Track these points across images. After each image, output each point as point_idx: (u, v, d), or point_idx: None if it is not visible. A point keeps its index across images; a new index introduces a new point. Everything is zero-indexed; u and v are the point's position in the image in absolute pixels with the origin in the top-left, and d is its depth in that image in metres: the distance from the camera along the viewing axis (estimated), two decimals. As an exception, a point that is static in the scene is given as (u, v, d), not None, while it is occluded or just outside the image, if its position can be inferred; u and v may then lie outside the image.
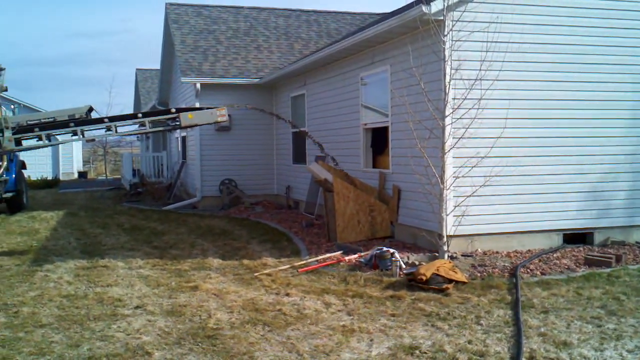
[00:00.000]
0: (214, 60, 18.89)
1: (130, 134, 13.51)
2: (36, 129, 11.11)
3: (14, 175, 17.77)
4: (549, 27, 10.25)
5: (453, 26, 9.32)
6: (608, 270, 8.85)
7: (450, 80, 9.22)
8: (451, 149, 9.30)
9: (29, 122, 11.56)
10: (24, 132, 11.19)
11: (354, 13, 23.58)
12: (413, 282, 8.03)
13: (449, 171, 9.37)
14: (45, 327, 6.70)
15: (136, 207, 19.36)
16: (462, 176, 9.41)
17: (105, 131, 11.35)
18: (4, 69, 17.17)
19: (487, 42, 9.38)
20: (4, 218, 16.71)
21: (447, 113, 9.18)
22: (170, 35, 20.34)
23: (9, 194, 17.36)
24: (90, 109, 11.83)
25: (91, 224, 15.14)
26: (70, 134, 11.32)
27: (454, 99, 9.31)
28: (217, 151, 18.69)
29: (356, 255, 9.80)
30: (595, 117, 10.57)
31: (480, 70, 9.34)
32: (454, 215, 9.49)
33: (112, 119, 11.31)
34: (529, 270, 8.87)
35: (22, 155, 19.93)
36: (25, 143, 11.62)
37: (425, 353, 5.71)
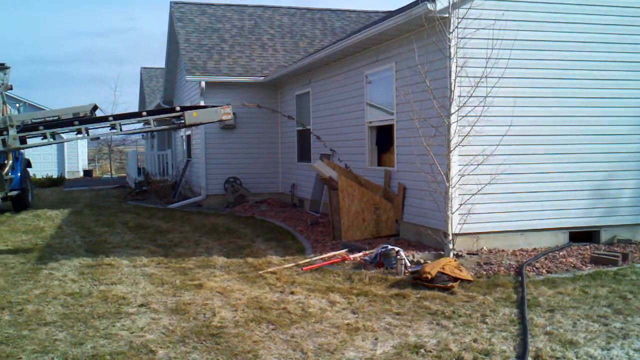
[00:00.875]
0: (218, 58, 18.87)
1: (135, 132, 13.51)
2: (41, 128, 11.12)
3: (19, 174, 17.79)
4: (555, 24, 10.19)
5: (459, 23, 9.28)
6: (614, 268, 8.79)
7: (455, 78, 9.18)
8: (457, 146, 9.25)
9: (33, 121, 11.55)
10: (28, 130, 11.19)
11: (359, 11, 23.52)
12: (418, 280, 7.99)
13: (455, 169, 9.33)
14: (50, 325, 6.69)
15: (141, 205, 19.37)
16: (468, 174, 9.37)
17: (110, 129, 11.35)
18: (9, 67, 17.20)
19: (493, 39, 9.34)
20: (9, 216, 16.74)
21: (452, 111, 9.14)
22: (175, 33, 20.33)
23: (14, 192, 17.38)
24: (95, 107, 11.82)
25: (96, 222, 15.14)
26: (75, 133, 11.33)
27: (459, 96, 9.27)
28: (221, 149, 18.67)
29: (361, 254, 9.77)
30: (602, 114, 10.50)
31: (486, 67, 9.30)
32: (460, 214, 9.44)
33: (117, 117, 11.30)
34: (534, 268, 8.83)
35: (28, 154, 19.96)
36: (30, 141, 11.61)
37: (431, 352, 5.68)
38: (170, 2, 21.34)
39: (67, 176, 37.11)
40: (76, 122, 11.14)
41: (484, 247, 9.92)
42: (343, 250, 10.16)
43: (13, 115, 12.37)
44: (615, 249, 9.98)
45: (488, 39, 9.37)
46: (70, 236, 13.00)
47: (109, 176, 37.22)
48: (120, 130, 11.29)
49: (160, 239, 12.48)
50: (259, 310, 7.06)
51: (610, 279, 8.23)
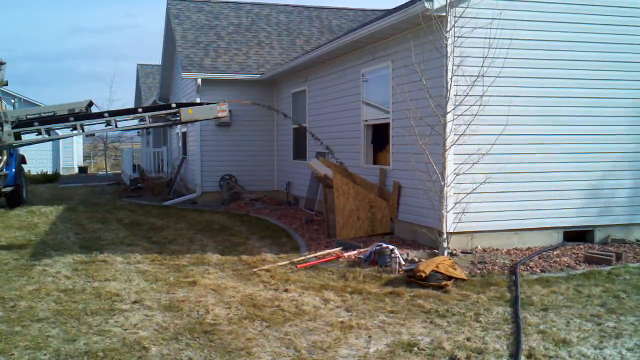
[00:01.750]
0: (215, 55, 18.84)
1: (130, 129, 13.44)
2: (35, 123, 11.06)
3: (13, 170, 17.72)
4: (552, 24, 10.19)
5: (455, 22, 9.27)
6: (608, 268, 8.81)
7: (452, 77, 9.18)
8: (452, 145, 9.26)
9: (28, 117, 11.50)
10: (23, 126, 11.13)
11: (356, 9, 23.53)
12: (412, 278, 7.99)
13: (450, 168, 9.34)
14: (42, 321, 6.66)
15: (136, 202, 19.32)
16: (463, 173, 9.38)
17: (105, 126, 11.31)
18: (5, 63, 17.14)
19: (490, 38, 9.33)
20: (3, 212, 16.68)
21: (448, 109, 9.14)
22: (172, 30, 20.29)
23: (9, 188, 17.32)
24: (90, 104, 11.77)
25: (90, 219, 15.10)
26: (70, 129, 11.27)
27: (455, 95, 9.27)
28: (217, 147, 18.65)
29: (355, 252, 9.76)
30: (597, 114, 10.52)
31: (482, 66, 9.30)
32: (454, 212, 9.45)
33: (112, 113, 11.26)
34: (528, 267, 8.84)
35: (22, 150, 19.89)
36: (24, 137, 11.56)
37: (424, 350, 5.67)
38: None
39: (62, 172, 37.03)
40: (71, 119, 11.08)
41: (479, 246, 9.93)
42: (338, 248, 10.15)
43: (8, 111, 12.34)
44: (609, 248, 10.00)
45: (485, 38, 9.36)
46: (65, 232, 12.96)
47: (104, 173, 37.16)
48: (116, 126, 11.24)
49: (155, 236, 12.46)
50: (253, 308, 7.04)
51: (603, 278, 8.25)
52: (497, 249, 9.90)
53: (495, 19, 9.51)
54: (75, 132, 11.31)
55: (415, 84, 10.08)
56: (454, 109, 9.22)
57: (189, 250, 10.76)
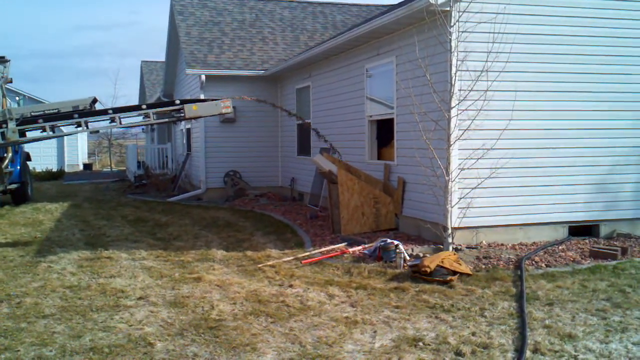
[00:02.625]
0: (219, 52, 18.83)
1: (135, 126, 13.47)
2: (40, 121, 11.08)
3: (18, 167, 17.76)
4: (557, 19, 10.16)
5: (460, 17, 9.24)
6: (614, 262, 8.78)
7: (456, 72, 9.15)
8: (457, 140, 9.23)
9: (32, 114, 11.52)
10: (28, 123, 11.15)
11: (360, 5, 23.47)
12: (417, 274, 7.98)
13: (455, 163, 9.32)
14: (48, 317, 6.68)
15: (141, 198, 19.35)
16: (468, 168, 9.35)
17: (110, 122, 11.31)
18: (9, 60, 17.15)
19: (494, 33, 9.30)
20: (9, 209, 16.72)
21: (453, 104, 9.11)
22: (176, 27, 20.28)
23: (14, 186, 17.36)
24: (95, 101, 11.78)
25: (95, 216, 15.13)
26: (74, 126, 11.28)
27: (460, 90, 9.24)
28: (221, 143, 18.65)
29: (360, 247, 9.76)
30: (603, 109, 10.48)
31: (486, 61, 9.27)
32: (459, 207, 9.43)
33: (116, 110, 11.27)
34: (534, 262, 8.82)
35: (27, 147, 19.90)
36: (29, 134, 11.58)
37: (429, 345, 5.67)
38: (171, -5, 21.30)
39: (66, 169, 37.09)
40: (76, 115, 11.10)
41: (483, 241, 9.91)
42: (342, 244, 10.15)
43: (12, 108, 12.35)
44: (615, 243, 9.97)
45: (489, 32, 9.33)
46: (70, 229, 12.99)
47: (109, 170, 37.21)
48: (120, 123, 11.25)
49: (160, 232, 12.48)
50: (258, 304, 7.05)
51: (609, 273, 8.22)
52: (502, 244, 9.88)
53: (499, 13, 9.47)
54: (79, 129, 11.33)
55: (419, 79, 10.05)
56: (458, 104, 9.20)
57: (193, 247, 10.77)
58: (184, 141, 22.43)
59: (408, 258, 8.84)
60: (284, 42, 20.02)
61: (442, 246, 9.31)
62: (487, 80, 9.35)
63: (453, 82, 9.15)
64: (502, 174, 9.69)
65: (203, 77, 17.93)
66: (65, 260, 9.74)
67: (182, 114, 11.11)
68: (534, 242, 10.05)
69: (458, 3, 9.37)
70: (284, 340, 5.88)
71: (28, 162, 19.58)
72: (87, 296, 7.52)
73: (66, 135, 13.89)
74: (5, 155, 16.81)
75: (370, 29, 11.54)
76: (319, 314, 6.66)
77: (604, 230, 10.54)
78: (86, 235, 12.18)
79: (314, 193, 15.44)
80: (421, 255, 9.08)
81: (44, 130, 11.15)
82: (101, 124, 11.73)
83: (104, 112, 11.33)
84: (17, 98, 22.56)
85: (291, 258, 9.45)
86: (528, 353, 5.46)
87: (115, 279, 8.43)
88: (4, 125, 11.03)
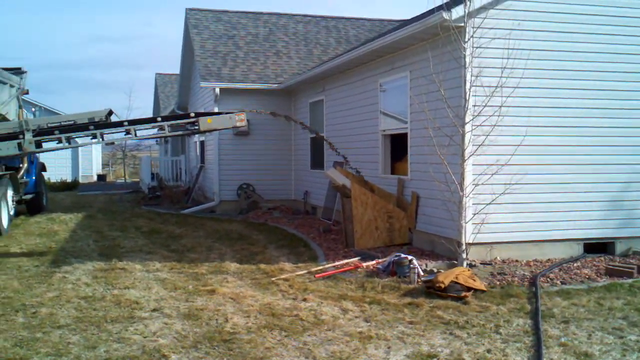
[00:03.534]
0: (233, 65, 18.95)
1: (149, 138, 13.60)
2: (56, 132, 11.18)
3: (34, 177, 17.91)
4: (572, 35, 10.15)
5: (474, 33, 9.26)
6: (630, 280, 8.72)
7: (470, 87, 9.16)
8: (471, 155, 9.23)
9: (49, 125, 11.63)
10: (44, 134, 11.26)
11: (374, 19, 23.57)
12: (431, 289, 7.96)
13: (469, 178, 9.30)
14: (63, 328, 6.71)
15: (154, 210, 19.43)
16: (482, 183, 9.33)
17: (125, 134, 11.40)
18: (26, 72, 17.37)
19: (509, 49, 9.32)
20: (24, 219, 16.84)
21: (467, 120, 9.11)
22: (190, 40, 20.44)
23: (29, 196, 17.49)
24: (110, 112, 11.89)
25: (109, 227, 15.21)
26: (90, 137, 11.38)
27: (474, 105, 9.25)
28: (235, 156, 18.71)
29: (374, 262, 9.75)
30: (618, 125, 10.44)
31: (501, 77, 9.28)
32: (473, 223, 9.41)
33: (132, 122, 11.35)
34: (549, 279, 8.77)
35: (42, 158, 20.09)
36: (45, 145, 11.69)
37: (444, 361, 5.65)
38: (186, 9, 21.47)
39: (81, 180, 37.32)
40: (91, 127, 11.20)
41: (498, 257, 9.87)
42: (356, 258, 10.14)
43: (29, 119, 12.48)
44: (631, 260, 9.90)
45: (503, 48, 9.35)
46: (84, 240, 13.06)
47: (123, 181, 37.40)
48: (135, 135, 11.34)
49: (174, 244, 12.52)
50: (272, 317, 7.05)
51: (625, 291, 8.16)
52: (517, 260, 9.84)
53: (514, 29, 9.49)
54: (95, 140, 11.42)
55: (433, 94, 10.07)
56: (472, 119, 9.20)
57: (207, 259, 10.80)
58: (198, 153, 22.53)
59: (422, 273, 8.82)
60: (298, 56, 20.12)
61: (456, 262, 9.28)
62: (502, 96, 9.35)
63: (467, 98, 9.16)
64: (517, 189, 9.65)
65: (217, 90, 18.03)
66: (80, 270, 9.80)
67: (197, 127, 11.17)
68: (548, 259, 10.00)
69: (472, 19, 9.40)
70: (298, 354, 5.87)
71: (43, 173, 19.73)
72: (102, 307, 7.55)
73: (81, 146, 13.97)
74: (21, 165, 16.95)
75: (384, 44, 11.58)
76: (332, 328, 6.65)
77: (619, 247, 10.47)
78: (100, 246, 12.24)
79: (327, 207, 15.44)
80: (435, 270, 9.06)
81: (60, 142, 11.24)
82: (116, 135, 11.83)
83: (119, 124, 11.41)
84: (32, 109, 22.79)
85: (304, 272, 9.45)
86: (544, 371, 5.43)
87: (130, 290, 8.46)
88: (21, 136, 11.15)
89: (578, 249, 10.30)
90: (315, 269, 9.63)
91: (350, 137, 14.52)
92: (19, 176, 16.31)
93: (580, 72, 10.21)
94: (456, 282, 7.89)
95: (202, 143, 21.54)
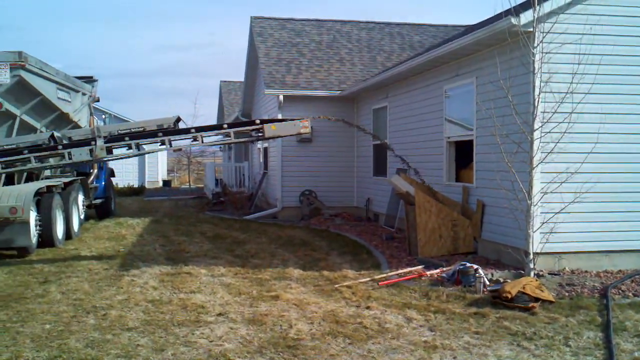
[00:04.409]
0: (296, 72, 19.09)
1: (215, 144, 13.81)
2: (126, 138, 11.46)
3: (103, 183, 18.45)
4: (646, 39, 9.83)
5: (543, 38, 9.07)
6: None
7: (539, 93, 8.96)
8: (540, 163, 9.02)
9: (120, 132, 11.95)
10: (114, 141, 11.54)
11: (438, 25, 23.34)
12: (497, 299, 7.80)
13: (537, 187, 9.09)
14: (132, 330, 6.87)
15: (218, 216, 19.72)
16: (551, 192, 9.11)
17: (192, 141, 11.59)
18: (97, 80, 17.91)
19: (579, 54, 9.08)
20: (93, 223, 17.36)
21: (535, 127, 8.92)
22: (255, 48, 20.70)
23: (98, 201, 18.02)
24: (178, 119, 12.14)
25: (175, 232, 15.51)
26: (159, 144, 11.63)
27: (543, 112, 9.04)
28: (297, 162, 18.82)
29: (438, 270, 9.63)
30: (694, 132, 10.03)
31: (571, 83, 9.05)
32: (541, 232, 9.19)
33: (199, 129, 11.54)
34: (620, 291, 8.47)
35: (110, 163, 20.67)
36: (115, 152, 12.00)
37: (512, 374, 5.52)
38: (251, 17, 21.76)
39: (147, 186, 38.20)
40: (160, 134, 11.43)
41: (566, 268, 9.61)
42: (419, 267, 10.04)
43: (101, 126, 12.86)
44: None
45: (574, 53, 9.13)
46: (151, 244, 13.36)
47: (187, 187, 38.11)
48: (202, 142, 11.52)
49: (237, 249, 12.66)
50: (335, 324, 7.04)
51: (703, 305, 7.81)
52: (586, 271, 9.55)
53: (585, 34, 9.25)
54: (163, 147, 11.65)
55: (500, 101, 9.89)
56: (541, 126, 8.99)
57: (270, 265, 10.88)
58: (261, 160, 22.76)
59: (488, 283, 8.65)
60: (361, 63, 20.11)
61: (522, 271, 9.07)
62: (572, 102, 9.11)
63: (536, 104, 8.96)
64: (587, 198, 9.37)
65: (281, 97, 18.18)
66: (147, 274, 10.01)
67: (262, 134, 11.27)
68: (619, 270, 9.67)
69: (542, 24, 9.19)
70: (362, 362, 5.84)
71: (112, 178, 20.30)
72: (169, 310, 7.70)
73: (150, 152, 14.29)
74: (91, 171, 17.50)
75: (449, 50, 11.46)
76: (397, 337, 6.60)
77: (696, 259, 10.04)
78: (167, 251, 12.49)
79: (389, 214, 15.36)
80: (501, 280, 8.88)
81: (130, 148, 11.51)
82: (184, 142, 12.05)
83: (186, 130, 11.61)
84: (103, 116, 23.50)
85: (367, 279, 9.41)
86: (617, 386, 5.24)
87: (196, 294, 8.59)
88: (93, 143, 11.47)
89: (652, 260, 9.93)
90: (379, 276, 9.58)
91: (413, 144, 14.41)
92: (89, 181, 16.82)
93: (654, 77, 9.86)
94: (523, 293, 7.72)
95: (265, 149, 21.76)
